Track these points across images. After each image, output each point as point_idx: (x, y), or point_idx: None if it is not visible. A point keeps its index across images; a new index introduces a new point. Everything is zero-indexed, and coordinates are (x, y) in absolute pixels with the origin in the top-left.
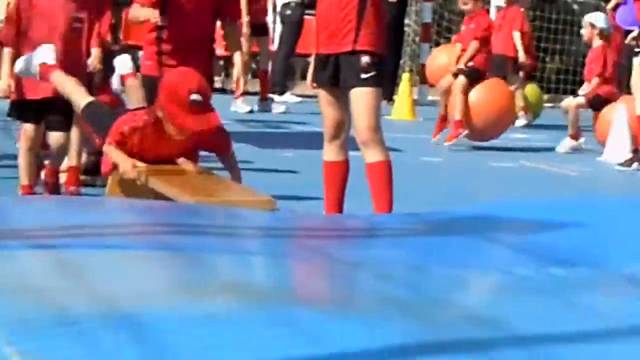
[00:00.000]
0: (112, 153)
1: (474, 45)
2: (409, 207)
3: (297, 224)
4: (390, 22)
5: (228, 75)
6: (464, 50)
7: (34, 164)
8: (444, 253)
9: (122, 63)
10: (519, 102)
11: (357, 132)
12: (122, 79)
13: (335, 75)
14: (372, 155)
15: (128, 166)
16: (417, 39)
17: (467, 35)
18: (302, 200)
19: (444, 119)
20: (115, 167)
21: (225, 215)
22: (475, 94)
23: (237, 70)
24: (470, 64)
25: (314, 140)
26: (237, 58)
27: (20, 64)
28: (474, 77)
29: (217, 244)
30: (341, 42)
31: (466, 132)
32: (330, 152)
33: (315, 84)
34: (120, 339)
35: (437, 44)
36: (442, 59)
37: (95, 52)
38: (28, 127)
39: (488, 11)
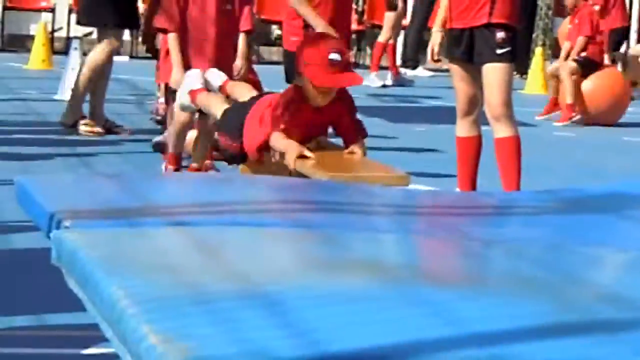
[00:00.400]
0: (278, 142)
1: (580, 41)
2: (541, 183)
3: (431, 201)
4: None
5: (360, 49)
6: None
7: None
8: (578, 231)
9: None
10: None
11: (489, 107)
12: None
13: (469, 51)
14: (503, 130)
15: (294, 155)
16: (550, 12)
17: (573, 32)
18: (436, 177)
19: (555, 103)
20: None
21: (360, 191)
22: (589, 82)
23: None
24: (583, 54)
25: (446, 115)
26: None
27: (179, 101)
28: (587, 66)
29: (351, 222)
30: (476, 15)
31: (578, 116)
32: (463, 128)
33: (437, 59)
34: (257, 316)
35: None
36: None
37: (243, 39)
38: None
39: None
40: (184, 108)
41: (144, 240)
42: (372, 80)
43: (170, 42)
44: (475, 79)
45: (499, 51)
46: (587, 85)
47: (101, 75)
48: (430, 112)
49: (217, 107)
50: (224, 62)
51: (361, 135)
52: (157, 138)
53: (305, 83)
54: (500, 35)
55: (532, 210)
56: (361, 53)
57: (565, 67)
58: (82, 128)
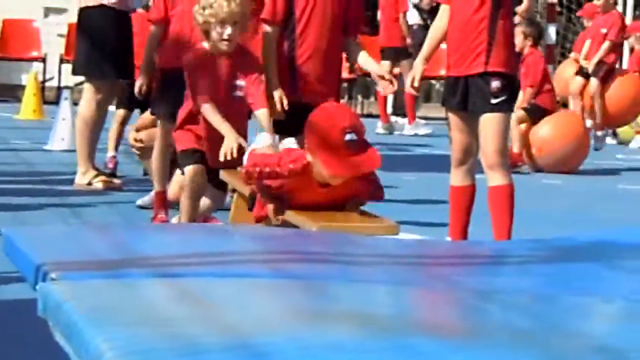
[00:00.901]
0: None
1: (528, 92)
2: (530, 231)
3: (420, 250)
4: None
5: (351, 97)
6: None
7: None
8: (568, 281)
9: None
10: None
11: (484, 156)
12: None
13: (465, 100)
14: (497, 178)
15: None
16: None
17: (522, 80)
18: (426, 226)
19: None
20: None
21: (348, 242)
22: (547, 128)
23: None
24: (533, 101)
25: (435, 163)
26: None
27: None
28: (536, 114)
29: (339, 272)
30: (472, 64)
31: (526, 166)
32: (457, 177)
33: (415, 87)
34: None
35: None
36: (568, 72)
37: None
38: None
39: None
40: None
41: (131, 292)
42: (409, 129)
43: (209, 113)
44: (471, 128)
45: (493, 101)
46: (544, 130)
47: (95, 125)
48: (420, 160)
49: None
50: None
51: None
52: (141, 200)
53: (316, 164)
54: (495, 84)
55: (521, 260)
56: (352, 101)
57: (513, 116)
58: (98, 185)
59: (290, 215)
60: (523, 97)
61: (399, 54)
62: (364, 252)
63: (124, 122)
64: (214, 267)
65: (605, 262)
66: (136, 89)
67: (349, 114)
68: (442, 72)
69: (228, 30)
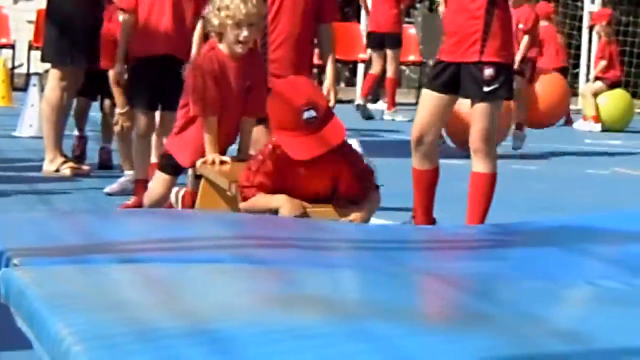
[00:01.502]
0: (260, 199)
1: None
2: (500, 217)
3: (383, 235)
4: None
5: (321, 84)
6: None
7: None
8: (530, 265)
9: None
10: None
11: (470, 140)
12: None
13: (450, 83)
14: (478, 165)
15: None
16: None
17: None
18: (395, 211)
19: None
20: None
21: (312, 227)
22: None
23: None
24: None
25: (403, 149)
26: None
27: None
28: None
29: (303, 257)
30: (466, 52)
31: None
32: (416, 160)
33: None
34: (203, 353)
35: None
36: None
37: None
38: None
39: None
40: None
41: (93, 277)
42: (387, 115)
43: (209, 126)
44: (442, 112)
45: (486, 89)
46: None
47: (61, 112)
48: (391, 146)
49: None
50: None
51: (368, 191)
52: (109, 188)
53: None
54: (488, 72)
55: (484, 244)
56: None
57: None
58: (66, 172)
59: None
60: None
61: (384, 40)
62: (327, 237)
63: (83, 111)
64: (178, 253)
65: (565, 246)
66: (113, 77)
67: (304, 88)
68: (411, 58)
69: (244, 32)
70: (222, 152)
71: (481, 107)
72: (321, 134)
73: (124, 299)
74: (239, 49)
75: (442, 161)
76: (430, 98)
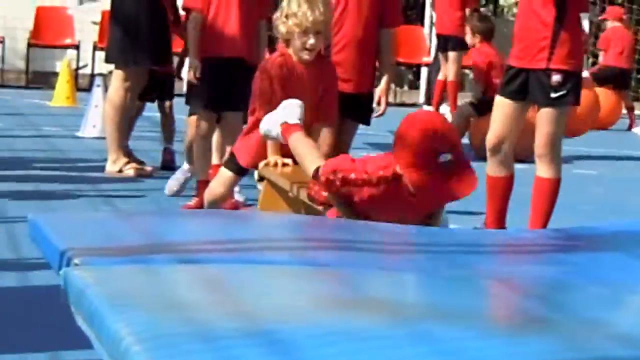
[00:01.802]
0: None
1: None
2: (563, 222)
3: (445, 239)
4: None
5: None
6: None
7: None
8: (592, 270)
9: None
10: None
11: (535, 146)
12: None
13: (521, 90)
14: (542, 170)
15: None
16: None
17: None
18: (464, 215)
19: None
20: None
21: (376, 230)
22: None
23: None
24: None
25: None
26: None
27: (264, 124)
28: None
29: (364, 260)
30: (534, 58)
31: None
32: (491, 167)
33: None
34: (261, 354)
35: (594, 55)
36: None
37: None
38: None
39: None
40: (266, 135)
41: (153, 277)
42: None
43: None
44: (516, 119)
45: (553, 95)
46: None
47: (124, 112)
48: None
49: (310, 160)
50: None
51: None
52: (168, 189)
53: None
54: (556, 78)
55: (545, 249)
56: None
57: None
58: (129, 172)
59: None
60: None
61: (448, 42)
62: (389, 240)
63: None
64: (238, 254)
65: (629, 251)
66: (190, 74)
67: (443, 128)
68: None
69: (311, 40)
70: (290, 156)
71: (547, 112)
72: (454, 182)
73: (183, 299)
74: (305, 55)
75: None
76: (503, 105)
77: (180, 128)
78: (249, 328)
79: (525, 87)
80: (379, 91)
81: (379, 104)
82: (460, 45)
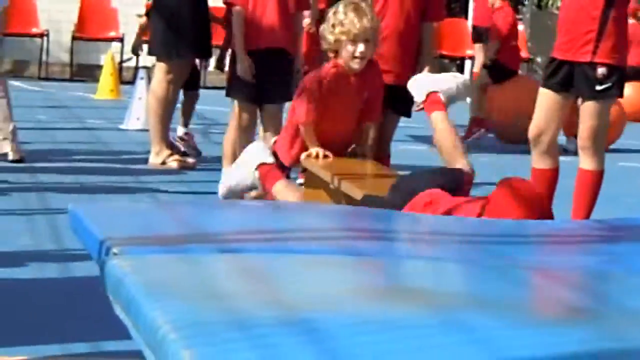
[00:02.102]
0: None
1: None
2: (607, 214)
3: (480, 229)
4: None
5: None
6: None
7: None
8: (632, 260)
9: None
10: None
11: (579, 137)
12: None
13: (565, 82)
14: (585, 162)
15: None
16: None
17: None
18: None
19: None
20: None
21: (412, 220)
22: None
23: None
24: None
25: (508, 145)
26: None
27: (228, 179)
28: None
29: (398, 249)
30: (579, 51)
31: (481, 130)
32: (535, 159)
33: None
34: (298, 342)
35: None
36: None
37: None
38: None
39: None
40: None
41: (191, 266)
42: None
43: (306, 133)
44: (559, 111)
45: (598, 87)
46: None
47: (168, 105)
48: (493, 142)
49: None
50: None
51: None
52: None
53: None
54: (601, 71)
55: (585, 239)
56: None
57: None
58: (172, 165)
59: (346, 187)
60: (484, 52)
61: (482, 34)
62: (424, 230)
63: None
64: (276, 244)
65: None
66: (244, 70)
67: (538, 205)
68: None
69: (360, 47)
70: (326, 146)
71: (591, 105)
72: None
73: (220, 288)
74: (355, 64)
75: None
76: (546, 96)
77: (217, 119)
78: (285, 317)
79: (569, 80)
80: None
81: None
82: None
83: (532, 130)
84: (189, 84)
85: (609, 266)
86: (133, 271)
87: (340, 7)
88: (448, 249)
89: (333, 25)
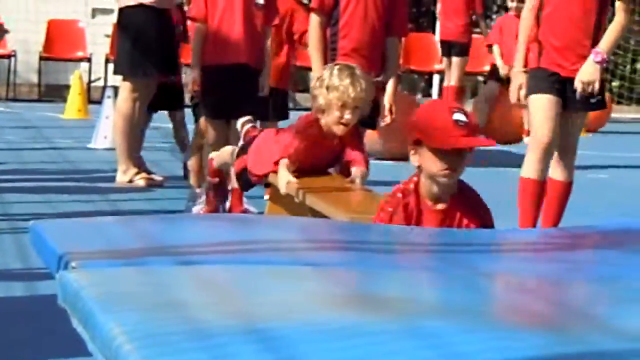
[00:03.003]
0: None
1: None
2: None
3: (443, 238)
4: None
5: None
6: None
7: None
8: (588, 267)
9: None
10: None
11: (561, 148)
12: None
13: (558, 91)
14: (561, 173)
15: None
16: None
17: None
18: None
19: None
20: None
21: (373, 231)
22: None
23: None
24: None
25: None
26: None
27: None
28: None
29: (360, 259)
30: (574, 65)
31: None
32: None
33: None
34: (255, 351)
35: None
36: None
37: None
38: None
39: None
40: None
41: (148, 278)
42: None
43: (282, 167)
44: (559, 115)
45: (592, 100)
46: None
47: (134, 123)
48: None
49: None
50: None
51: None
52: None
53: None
54: (597, 84)
55: (544, 247)
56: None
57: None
58: (140, 183)
59: (316, 203)
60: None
61: (451, 48)
62: (386, 240)
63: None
64: (235, 255)
65: (628, 248)
66: (190, 85)
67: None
68: (486, 68)
69: (347, 115)
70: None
71: (582, 117)
72: (472, 138)
73: (177, 299)
74: (339, 130)
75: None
76: (549, 101)
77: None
78: (244, 326)
79: (562, 90)
80: (387, 99)
81: (390, 112)
82: (463, 51)
83: (547, 136)
84: (171, 104)
85: (564, 272)
86: (89, 284)
87: (336, 71)
88: (406, 258)
89: (327, 87)
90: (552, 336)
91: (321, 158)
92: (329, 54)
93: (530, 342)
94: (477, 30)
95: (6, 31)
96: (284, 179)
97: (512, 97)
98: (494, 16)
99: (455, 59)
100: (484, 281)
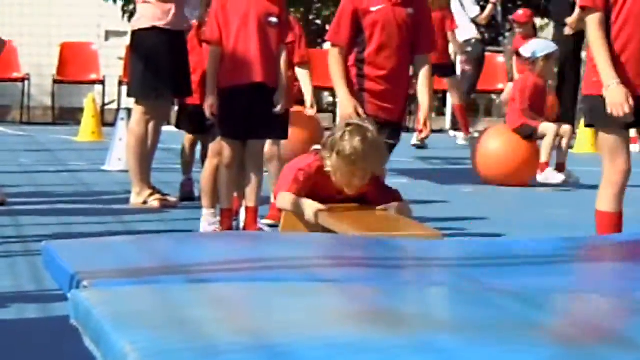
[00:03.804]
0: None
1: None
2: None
3: (453, 252)
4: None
5: (410, 112)
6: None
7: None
8: (593, 278)
9: None
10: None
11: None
12: None
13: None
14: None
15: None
16: None
17: None
18: (474, 237)
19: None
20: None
21: (386, 246)
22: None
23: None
24: None
25: None
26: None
27: None
28: None
29: (370, 275)
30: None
31: None
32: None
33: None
34: None
35: None
36: None
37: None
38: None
39: None
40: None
41: (159, 297)
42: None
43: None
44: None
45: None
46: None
47: (147, 145)
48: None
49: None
50: None
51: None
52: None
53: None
54: None
55: (550, 259)
56: (411, 117)
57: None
58: (154, 204)
59: (332, 223)
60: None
61: (440, 70)
62: (396, 256)
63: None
64: (245, 273)
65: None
66: (207, 110)
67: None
68: (500, 86)
69: (356, 181)
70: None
71: None
72: None
73: (188, 316)
74: (349, 191)
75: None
76: (624, 136)
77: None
78: (252, 343)
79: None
80: (422, 114)
81: (425, 125)
82: (449, 71)
83: (624, 173)
84: (196, 128)
85: (571, 285)
86: (101, 303)
87: (347, 135)
88: (415, 273)
89: (338, 153)
90: (559, 349)
91: (330, 197)
92: (356, 80)
93: (538, 355)
94: (490, 48)
95: (4, 43)
96: (311, 207)
97: (619, 111)
98: (507, 34)
99: (447, 80)
100: (493, 296)
